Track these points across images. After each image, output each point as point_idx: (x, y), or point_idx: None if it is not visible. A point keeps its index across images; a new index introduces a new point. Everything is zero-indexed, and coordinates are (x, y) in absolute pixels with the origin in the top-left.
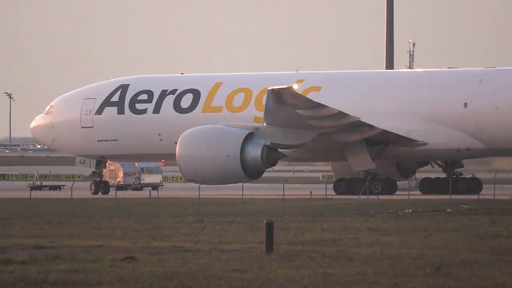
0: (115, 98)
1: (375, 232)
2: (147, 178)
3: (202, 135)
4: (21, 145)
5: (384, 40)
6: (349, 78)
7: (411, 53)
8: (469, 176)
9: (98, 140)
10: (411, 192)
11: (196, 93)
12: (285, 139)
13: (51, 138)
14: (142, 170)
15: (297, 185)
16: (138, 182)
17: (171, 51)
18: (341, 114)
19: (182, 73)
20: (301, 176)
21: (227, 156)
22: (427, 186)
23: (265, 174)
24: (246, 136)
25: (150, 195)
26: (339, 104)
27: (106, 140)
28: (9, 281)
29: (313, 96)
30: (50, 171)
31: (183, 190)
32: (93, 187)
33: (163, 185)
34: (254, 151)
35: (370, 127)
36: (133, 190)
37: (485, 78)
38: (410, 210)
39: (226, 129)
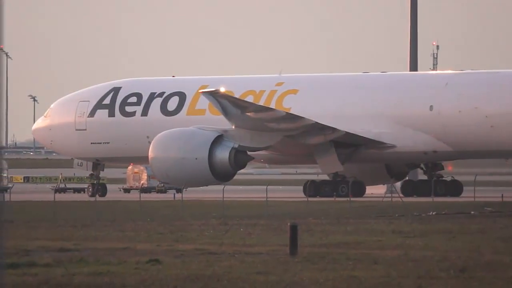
0: (107, 100)
1: (399, 234)
2: None
3: (173, 137)
4: (45, 148)
5: (408, 43)
6: (325, 81)
7: (435, 56)
8: (448, 179)
9: (91, 143)
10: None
11: (182, 96)
12: (252, 142)
13: (49, 140)
14: None
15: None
16: (162, 184)
17: (177, 53)
18: (289, 116)
19: (173, 76)
20: (325, 178)
21: (196, 158)
22: (409, 188)
23: (288, 177)
24: (215, 139)
25: (174, 197)
26: (312, 106)
27: (98, 143)
28: (33, 284)
29: (289, 99)
30: (74, 174)
31: (207, 193)
32: (90, 189)
33: (187, 188)
34: (222, 154)
35: (333, 129)
36: (157, 192)
37: (451, 81)
38: (434, 213)
39: (196, 131)
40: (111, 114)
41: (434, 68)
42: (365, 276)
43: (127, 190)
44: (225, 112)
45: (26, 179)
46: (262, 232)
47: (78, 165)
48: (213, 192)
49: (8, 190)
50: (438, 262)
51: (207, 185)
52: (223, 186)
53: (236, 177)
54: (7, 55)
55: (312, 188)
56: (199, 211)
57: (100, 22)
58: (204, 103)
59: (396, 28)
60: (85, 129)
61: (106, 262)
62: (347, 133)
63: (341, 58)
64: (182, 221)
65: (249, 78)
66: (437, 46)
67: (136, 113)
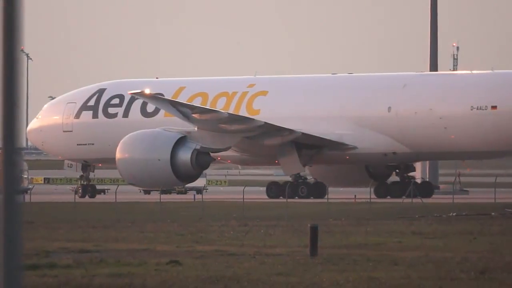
0: (92, 102)
1: (419, 235)
2: None
3: (138, 139)
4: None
5: (428, 44)
6: (294, 83)
7: (455, 57)
8: (419, 180)
9: (77, 144)
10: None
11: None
12: (213, 143)
13: (41, 142)
14: None
15: (341, 188)
16: (182, 186)
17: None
18: (233, 117)
19: (157, 78)
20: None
21: (159, 159)
22: (383, 190)
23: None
24: (178, 140)
25: (194, 198)
26: (279, 108)
27: (84, 144)
28: (54, 285)
29: (259, 101)
30: (94, 175)
31: (227, 194)
32: (80, 190)
33: (207, 189)
34: (184, 155)
35: (290, 130)
36: (177, 194)
37: (409, 83)
38: (454, 214)
39: (160, 133)
40: (95, 115)
41: (455, 69)
42: (385, 277)
43: (147, 191)
44: (185, 115)
45: (47, 180)
46: (282, 233)
47: (68, 166)
48: (233, 193)
49: (29, 191)
50: (459, 263)
51: (171, 186)
52: (243, 187)
53: (256, 178)
54: (27, 56)
55: (274, 189)
56: (219, 212)
57: (120, 24)
58: None
59: (417, 29)
60: (71, 131)
61: (126, 263)
62: (304, 134)
63: (361, 60)
64: (202, 222)
65: (222, 79)
66: (457, 47)
67: (118, 115)
